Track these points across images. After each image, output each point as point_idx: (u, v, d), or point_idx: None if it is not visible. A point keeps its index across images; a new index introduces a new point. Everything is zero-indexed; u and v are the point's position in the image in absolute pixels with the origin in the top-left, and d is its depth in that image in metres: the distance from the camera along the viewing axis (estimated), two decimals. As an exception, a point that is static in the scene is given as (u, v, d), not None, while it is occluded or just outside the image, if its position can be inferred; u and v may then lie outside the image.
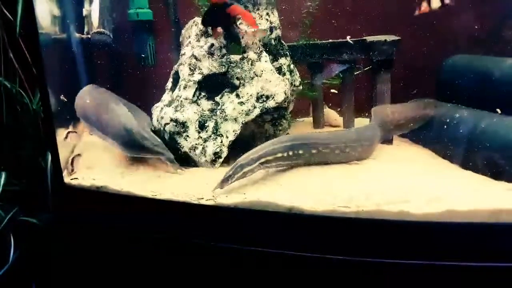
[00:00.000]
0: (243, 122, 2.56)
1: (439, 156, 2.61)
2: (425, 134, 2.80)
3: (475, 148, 2.28)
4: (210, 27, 2.62)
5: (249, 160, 2.14)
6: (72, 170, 2.30)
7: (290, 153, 2.28)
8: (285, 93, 2.59)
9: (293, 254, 1.88)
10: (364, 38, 2.91)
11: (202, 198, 2.04)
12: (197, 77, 2.64)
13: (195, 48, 2.67)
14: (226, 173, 2.09)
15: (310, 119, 3.45)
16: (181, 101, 2.63)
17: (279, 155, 2.24)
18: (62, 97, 2.60)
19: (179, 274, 2.14)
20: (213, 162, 2.52)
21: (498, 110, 2.33)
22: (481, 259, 1.71)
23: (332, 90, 3.31)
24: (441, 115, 2.66)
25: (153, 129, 2.69)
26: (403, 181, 2.12)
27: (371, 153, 2.60)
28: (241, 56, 2.62)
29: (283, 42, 2.85)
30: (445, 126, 2.57)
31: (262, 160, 2.19)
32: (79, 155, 2.33)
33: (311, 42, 3.04)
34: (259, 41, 2.64)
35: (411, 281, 1.82)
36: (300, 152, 2.30)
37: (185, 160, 2.56)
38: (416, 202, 1.85)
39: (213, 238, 2.00)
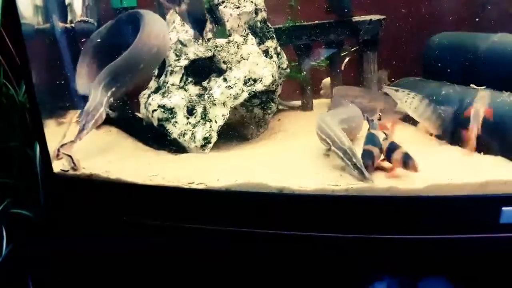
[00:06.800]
0: (232, 106, 2.55)
1: (426, 133, 2.62)
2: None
3: (460, 124, 2.30)
4: None
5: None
6: (58, 155, 2.29)
7: None
8: (272, 76, 2.58)
9: (285, 234, 1.90)
10: (349, 18, 2.91)
11: (193, 183, 2.04)
12: (184, 62, 2.62)
13: (180, 33, 2.65)
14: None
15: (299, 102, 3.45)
16: (168, 87, 2.61)
17: None
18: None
19: (175, 260, 2.16)
20: (202, 147, 2.52)
21: (473, 85, 2.35)
22: (469, 231, 1.75)
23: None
24: (425, 92, 2.68)
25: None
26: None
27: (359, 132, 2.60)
28: (227, 39, 2.61)
29: (269, 24, 2.83)
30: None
31: None
32: (63, 144, 2.32)
33: (297, 23, 3.03)
34: (245, 23, 2.63)
35: (402, 256, 1.86)
36: None
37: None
38: (405, 178, 1.88)
39: (205, 222, 2.01)
